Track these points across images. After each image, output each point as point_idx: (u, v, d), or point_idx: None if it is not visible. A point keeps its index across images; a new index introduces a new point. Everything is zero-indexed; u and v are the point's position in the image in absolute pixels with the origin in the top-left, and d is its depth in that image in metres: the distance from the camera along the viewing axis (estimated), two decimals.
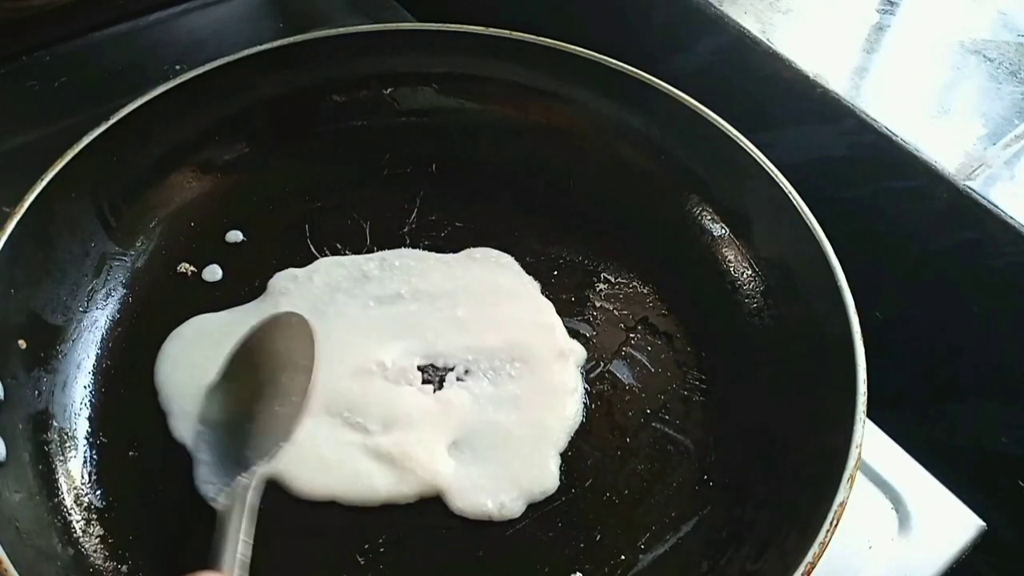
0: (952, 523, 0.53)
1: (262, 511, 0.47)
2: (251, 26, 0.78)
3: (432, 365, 0.54)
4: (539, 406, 0.52)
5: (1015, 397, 0.61)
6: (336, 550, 0.47)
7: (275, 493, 0.48)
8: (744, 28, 0.67)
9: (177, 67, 0.59)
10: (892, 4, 0.71)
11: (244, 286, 0.57)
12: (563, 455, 0.51)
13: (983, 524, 0.53)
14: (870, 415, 0.46)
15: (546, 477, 0.50)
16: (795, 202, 0.54)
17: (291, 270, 0.57)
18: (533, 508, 0.49)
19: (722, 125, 0.58)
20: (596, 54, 0.61)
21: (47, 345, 0.51)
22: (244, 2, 0.81)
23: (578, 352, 0.55)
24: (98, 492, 0.48)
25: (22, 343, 0.50)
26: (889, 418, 0.56)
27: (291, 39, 0.61)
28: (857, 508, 0.44)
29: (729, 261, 0.58)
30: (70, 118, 0.60)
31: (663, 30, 0.73)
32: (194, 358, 0.53)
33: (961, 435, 0.65)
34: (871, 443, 0.52)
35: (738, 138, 0.57)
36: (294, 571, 0.47)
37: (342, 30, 0.63)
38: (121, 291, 0.56)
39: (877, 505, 0.53)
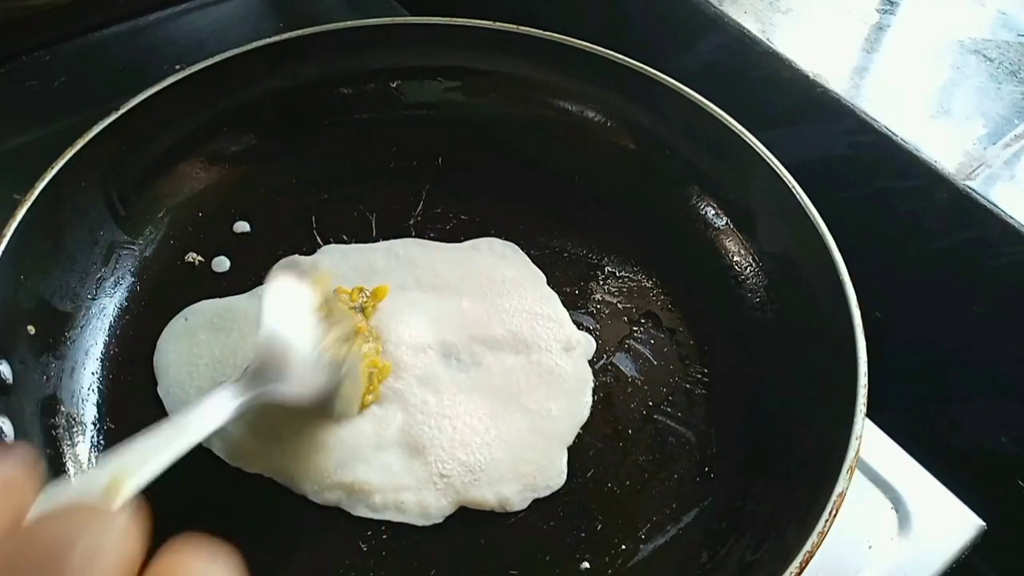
0: (952, 523, 0.53)
1: (267, 498, 0.47)
2: (251, 26, 0.78)
3: None
4: (547, 399, 0.52)
5: (1015, 397, 0.61)
6: (338, 536, 0.48)
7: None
8: (744, 28, 0.68)
9: (177, 67, 0.59)
10: (892, 4, 0.72)
11: (251, 276, 0.57)
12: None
13: (983, 524, 0.53)
14: (870, 416, 0.46)
15: (553, 472, 0.50)
16: (799, 197, 0.54)
17: (295, 256, 0.58)
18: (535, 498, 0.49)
19: (726, 120, 0.58)
20: (601, 48, 0.61)
21: (56, 331, 0.52)
22: (244, 2, 0.81)
23: (586, 344, 0.55)
24: None
25: (31, 328, 0.50)
26: (889, 418, 0.56)
27: (299, 32, 0.62)
28: (857, 508, 0.44)
29: (733, 255, 0.59)
30: (70, 118, 0.59)
31: (662, 29, 0.74)
32: (192, 346, 0.53)
33: (961, 435, 0.65)
34: (871, 443, 0.52)
35: (742, 133, 0.57)
36: (295, 557, 0.47)
37: (349, 23, 0.63)
38: (129, 279, 0.56)
39: (877, 505, 0.53)
